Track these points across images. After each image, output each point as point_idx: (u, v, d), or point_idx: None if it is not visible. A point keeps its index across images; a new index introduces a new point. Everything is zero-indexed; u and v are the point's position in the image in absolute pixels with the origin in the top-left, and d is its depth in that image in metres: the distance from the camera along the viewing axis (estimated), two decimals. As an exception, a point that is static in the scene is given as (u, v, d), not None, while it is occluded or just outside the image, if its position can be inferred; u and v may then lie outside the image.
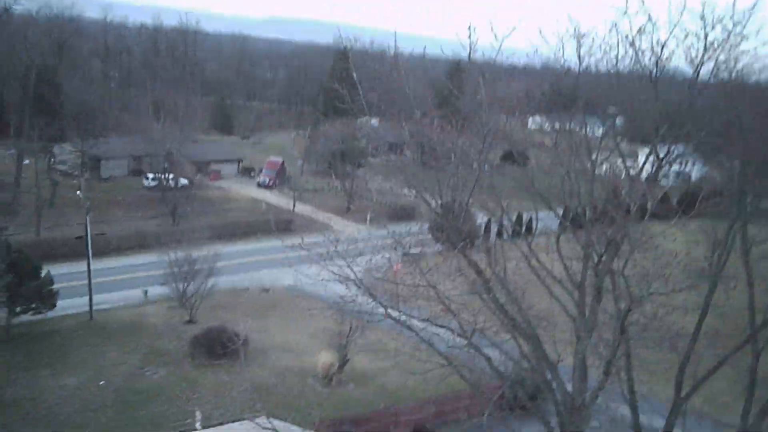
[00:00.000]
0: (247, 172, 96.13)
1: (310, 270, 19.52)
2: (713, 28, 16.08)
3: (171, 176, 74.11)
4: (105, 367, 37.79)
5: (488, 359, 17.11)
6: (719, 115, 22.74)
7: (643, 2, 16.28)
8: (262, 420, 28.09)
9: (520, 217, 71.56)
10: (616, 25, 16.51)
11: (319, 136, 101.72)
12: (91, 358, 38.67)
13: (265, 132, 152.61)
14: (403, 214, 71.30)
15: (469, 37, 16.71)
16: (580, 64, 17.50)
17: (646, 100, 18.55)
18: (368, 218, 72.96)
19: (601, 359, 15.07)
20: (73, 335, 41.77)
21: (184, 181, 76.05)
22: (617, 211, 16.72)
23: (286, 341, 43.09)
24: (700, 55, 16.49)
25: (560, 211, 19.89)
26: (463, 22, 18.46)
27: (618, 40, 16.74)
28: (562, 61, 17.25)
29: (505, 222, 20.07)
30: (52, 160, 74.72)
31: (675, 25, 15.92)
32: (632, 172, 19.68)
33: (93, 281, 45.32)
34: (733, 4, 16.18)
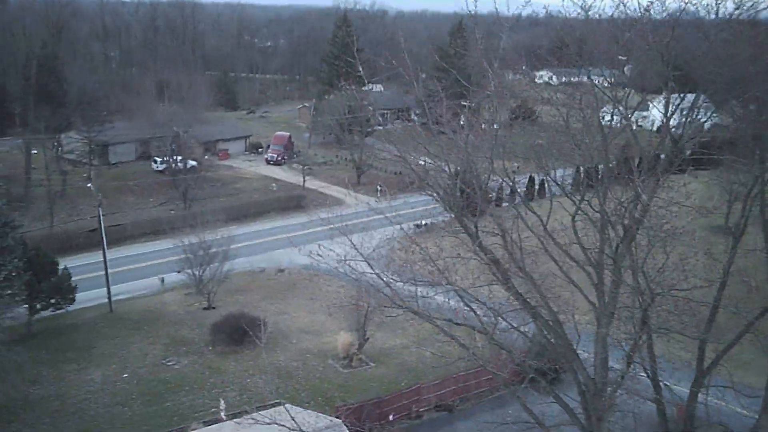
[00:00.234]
0: (254, 148, 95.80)
1: (321, 249, 19.28)
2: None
3: (179, 158, 74.00)
4: (128, 359, 38.28)
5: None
6: (734, 57, 21.64)
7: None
8: (284, 408, 28.54)
9: (532, 180, 71.42)
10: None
11: (324, 107, 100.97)
12: (114, 351, 39.16)
13: (269, 104, 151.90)
14: (413, 182, 70.94)
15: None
16: (587, 11, 16.91)
17: (657, 46, 17.86)
18: (378, 190, 72.74)
19: (621, 345, 15.05)
20: (95, 328, 42.27)
21: (192, 162, 75.94)
22: (629, 170, 16.36)
23: (305, 322, 43.40)
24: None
25: (571, 183, 19.55)
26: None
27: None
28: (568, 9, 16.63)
29: (517, 186, 19.69)
30: (60, 149, 74.67)
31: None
32: (644, 123, 19.15)
33: (109, 271, 45.60)
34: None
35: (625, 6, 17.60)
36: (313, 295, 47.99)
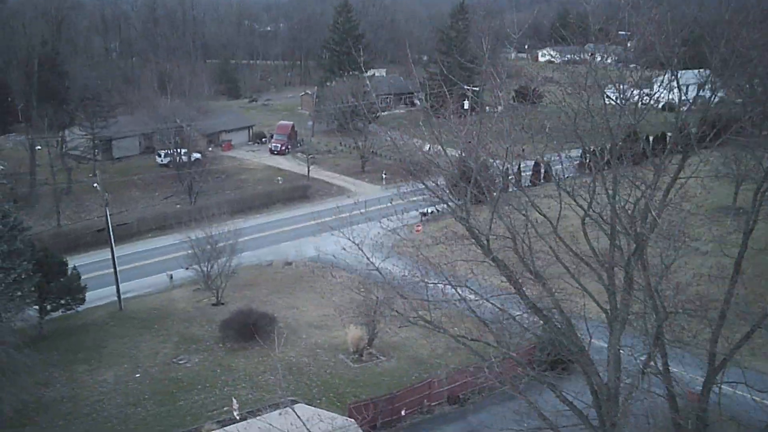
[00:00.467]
0: (258, 138, 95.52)
1: (329, 240, 19.28)
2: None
3: (183, 151, 73.86)
4: (140, 358, 38.44)
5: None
6: (742, 31, 21.09)
7: None
8: (298, 407, 28.63)
9: (537, 165, 70.96)
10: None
11: (327, 94, 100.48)
12: (125, 350, 39.33)
13: (271, 92, 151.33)
14: (418, 170, 70.78)
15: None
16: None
17: (661, 20, 17.50)
18: (383, 178, 72.63)
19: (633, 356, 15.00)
20: (105, 327, 42.45)
21: (196, 155, 75.82)
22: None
23: (314, 316, 43.47)
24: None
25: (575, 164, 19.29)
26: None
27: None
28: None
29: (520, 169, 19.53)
30: (64, 145, 74.58)
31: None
32: (649, 100, 18.90)
33: (117, 268, 45.66)
34: None
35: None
36: (321, 289, 47.93)
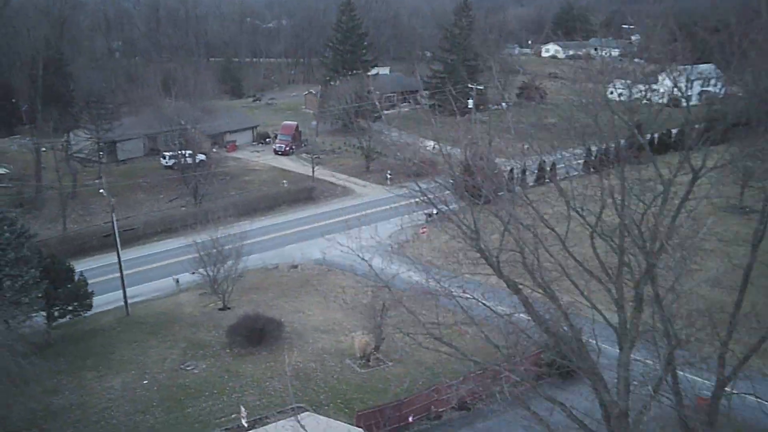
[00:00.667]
0: (262, 138, 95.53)
1: (333, 242, 19.21)
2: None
3: (188, 153, 73.89)
4: (147, 364, 38.53)
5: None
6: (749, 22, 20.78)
7: None
8: (306, 415, 28.72)
9: (542, 163, 70.84)
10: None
11: (331, 93, 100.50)
12: (133, 356, 39.44)
13: (274, 90, 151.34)
14: (423, 169, 70.75)
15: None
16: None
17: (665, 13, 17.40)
18: (388, 178, 72.58)
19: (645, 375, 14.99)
20: (113, 333, 42.56)
21: (201, 156, 75.86)
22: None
23: (321, 321, 43.51)
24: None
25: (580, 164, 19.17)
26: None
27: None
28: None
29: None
30: (69, 148, 74.73)
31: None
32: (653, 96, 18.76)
33: (124, 272, 45.74)
34: None
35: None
36: (328, 291, 48.12)
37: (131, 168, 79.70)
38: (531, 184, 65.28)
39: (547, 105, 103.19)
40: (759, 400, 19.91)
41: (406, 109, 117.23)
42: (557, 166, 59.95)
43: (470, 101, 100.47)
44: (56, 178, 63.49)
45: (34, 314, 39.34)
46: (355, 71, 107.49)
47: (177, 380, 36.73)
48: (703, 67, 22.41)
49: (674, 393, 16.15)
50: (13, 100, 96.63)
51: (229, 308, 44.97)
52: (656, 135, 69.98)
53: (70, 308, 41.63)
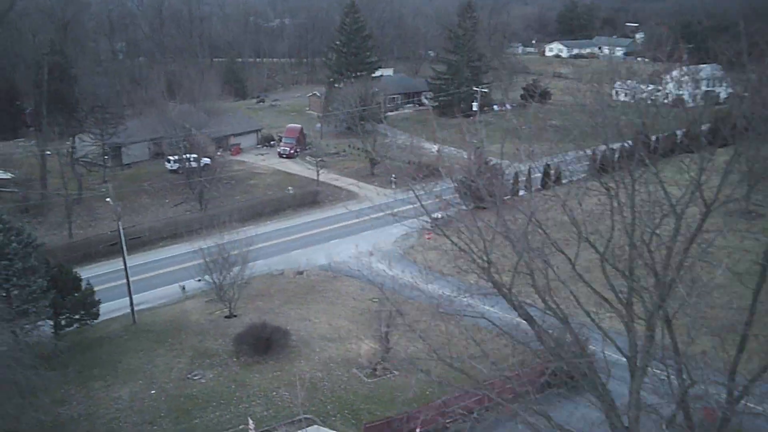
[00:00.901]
0: (266, 141, 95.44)
1: (339, 248, 19.23)
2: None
3: (193, 157, 73.87)
4: (155, 373, 38.58)
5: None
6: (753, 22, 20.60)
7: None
8: (314, 429, 28.77)
9: (547, 167, 70.68)
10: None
11: (335, 96, 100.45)
12: (140, 365, 39.48)
13: (278, 90, 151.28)
14: (427, 172, 70.68)
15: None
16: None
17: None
18: (392, 181, 72.52)
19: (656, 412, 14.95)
20: (120, 342, 42.60)
21: (206, 160, 75.84)
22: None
23: (327, 329, 43.52)
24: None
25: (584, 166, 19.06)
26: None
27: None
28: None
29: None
30: (74, 152, 74.77)
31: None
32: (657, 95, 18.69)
33: (130, 280, 45.74)
34: None
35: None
36: (333, 298, 48.16)
37: (136, 172, 79.73)
38: (537, 187, 65.10)
39: (553, 105, 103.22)
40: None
41: (410, 110, 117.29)
42: (561, 170, 59.75)
43: (474, 104, 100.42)
44: (61, 183, 63.50)
45: (41, 323, 39.42)
46: (359, 73, 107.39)
47: (184, 390, 36.78)
48: (706, 67, 22.24)
49: (688, 429, 16.11)
50: (17, 104, 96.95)
51: (235, 316, 45.02)
52: (661, 136, 69.69)
53: (77, 317, 41.72)
